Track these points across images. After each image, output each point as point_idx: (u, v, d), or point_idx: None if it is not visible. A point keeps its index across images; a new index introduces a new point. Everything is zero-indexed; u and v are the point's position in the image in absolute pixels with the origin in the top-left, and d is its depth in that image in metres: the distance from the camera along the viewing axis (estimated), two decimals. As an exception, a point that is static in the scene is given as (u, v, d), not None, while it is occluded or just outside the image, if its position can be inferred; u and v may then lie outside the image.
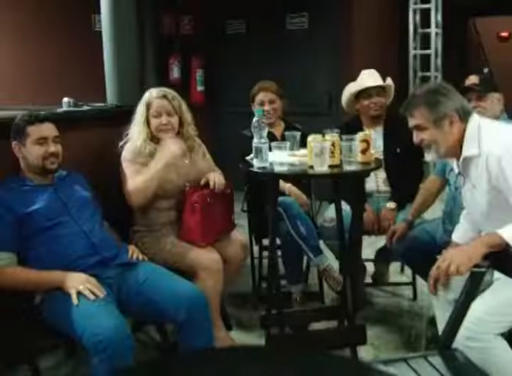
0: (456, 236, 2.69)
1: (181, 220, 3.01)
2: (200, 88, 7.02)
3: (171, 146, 2.93)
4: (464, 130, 2.31)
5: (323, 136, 2.72)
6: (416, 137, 2.36)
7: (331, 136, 2.71)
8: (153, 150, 2.97)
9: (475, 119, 2.33)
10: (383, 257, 3.94)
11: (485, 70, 10.78)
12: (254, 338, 3.31)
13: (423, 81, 6.90)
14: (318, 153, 2.62)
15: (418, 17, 6.76)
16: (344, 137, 2.76)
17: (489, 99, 2.99)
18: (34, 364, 2.54)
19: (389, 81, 3.67)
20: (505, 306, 2.22)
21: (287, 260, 3.48)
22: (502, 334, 2.21)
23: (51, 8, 6.48)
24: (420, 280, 3.76)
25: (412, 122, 2.35)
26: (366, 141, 2.79)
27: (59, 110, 3.27)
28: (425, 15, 6.78)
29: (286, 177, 3.18)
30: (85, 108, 3.33)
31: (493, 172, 2.22)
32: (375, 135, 3.57)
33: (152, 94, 3.03)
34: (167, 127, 3.00)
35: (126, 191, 2.94)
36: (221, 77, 7.03)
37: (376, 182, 3.64)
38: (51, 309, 2.39)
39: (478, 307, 2.18)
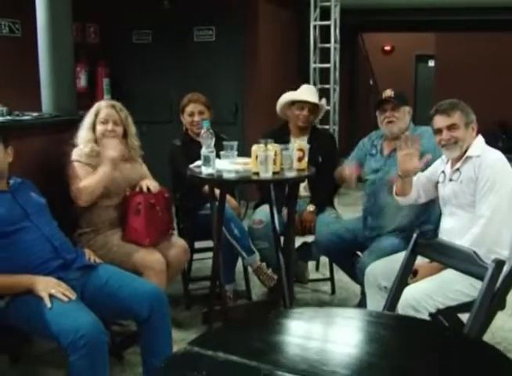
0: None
1: (123, 221, 3.19)
2: (106, 97, 7.05)
3: (110, 150, 3.12)
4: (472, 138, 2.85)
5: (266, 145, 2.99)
6: (446, 135, 2.81)
7: (273, 146, 3.00)
8: (90, 148, 3.18)
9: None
10: (301, 255, 4.27)
11: (371, 82, 11.55)
12: (192, 336, 3.50)
13: (322, 94, 7.37)
14: (263, 161, 2.90)
15: (318, 33, 7.21)
16: (281, 146, 3.07)
17: (402, 111, 3.37)
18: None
19: (323, 101, 4.00)
20: (447, 291, 2.64)
21: (222, 261, 3.71)
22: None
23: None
24: (337, 276, 4.14)
25: (448, 121, 2.81)
26: (302, 150, 3.11)
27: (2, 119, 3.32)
28: (324, 31, 7.25)
29: (235, 183, 3.42)
30: (26, 117, 3.39)
31: (479, 175, 2.73)
32: None
33: (101, 103, 3.25)
34: (112, 134, 3.21)
35: (75, 189, 3.09)
36: (128, 86, 7.11)
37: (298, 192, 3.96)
38: (19, 312, 2.47)
39: (427, 285, 2.59)
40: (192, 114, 3.91)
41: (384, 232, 3.35)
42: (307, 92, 3.98)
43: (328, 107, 7.29)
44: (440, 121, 2.83)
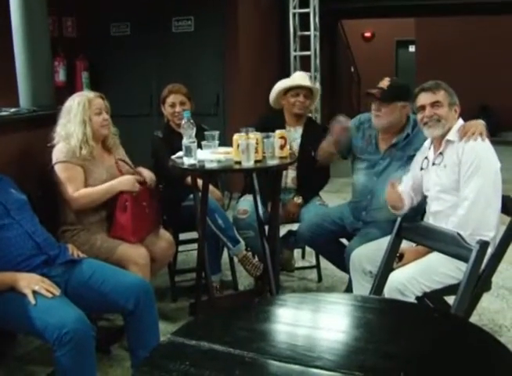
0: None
1: (111, 217, 3.15)
2: (86, 90, 7.01)
3: (128, 184, 3.14)
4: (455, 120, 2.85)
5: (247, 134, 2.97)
6: (429, 111, 2.81)
7: (254, 134, 2.98)
8: (88, 152, 3.09)
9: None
10: (286, 244, 4.26)
11: (352, 69, 11.56)
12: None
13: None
14: (244, 149, 2.89)
15: (297, 21, 7.19)
16: (262, 134, 3.04)
17: (391, 107, 3.17)
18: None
19: (317, 85, 3.95)
20: (433, 274, 2.64)
21: (208, 252, 3.69)
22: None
23: None
24: (323, 263, 4.13)
25: (433, 98, 2.81)
26: (283, 137, 3.10)
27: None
28: (303, 18, 7.22)
29: (217, 172, 3.40)
30: (4, 113, 3.33)
31: (463, 159, 2.73)
32: (295, 135, 3.90)
33: (89, 95, 3.16)
34: (107, 123, 3.17)
35: (68, 196, 3.04)
36: (108, 80, 7.05)
37: (286, 179, 3.91)
38: (1, 310, 2.42)
39: (413, 269, 2.60)
40: (173, 105, 3.88)
41: (378, 224, 3.27)
42: (301, 78, 3.92)
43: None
44: (424, 98, 2.82)
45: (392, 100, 3.15)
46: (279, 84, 3.94)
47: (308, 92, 3.87)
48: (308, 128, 3.95)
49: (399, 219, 2.51)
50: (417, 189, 3.04)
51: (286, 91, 3.87)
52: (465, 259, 2.22)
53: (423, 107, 2.83)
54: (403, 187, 3.04)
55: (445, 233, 2.37)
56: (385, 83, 3.16)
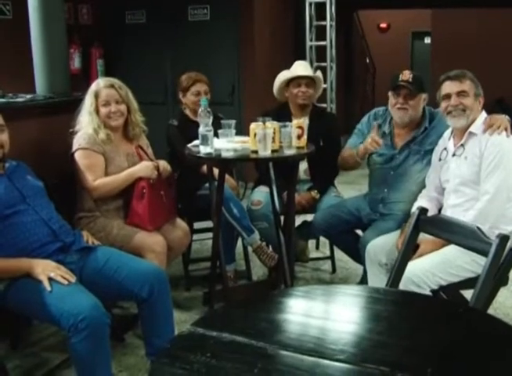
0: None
1: (127, 205, 3.14)
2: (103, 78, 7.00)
3: (147, 170, 3.14)
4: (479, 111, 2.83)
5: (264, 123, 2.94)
6: (455, 100, 2.78)
7: (271, 124, 2.95)
8: (106, 136, 3.10)
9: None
10: (301, 234, 4.24)
11: (367, 60, 11.47)
12: (193, 317, 3.48)
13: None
14: (261, 138, 2.86)
15: (313, 10, 7.13)
16: (279, 124, 3.01)
17: (417, 99, 3.16)
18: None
19: (318, 73, 3.90)
20: (449, 266, 2.61)
21: (222, 241, 3.68)
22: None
23: None
24: (337, 255, 4.12)
25: (459, 87, 2.79)
26: (301, 127, 3.06)
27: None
28: (319, 8, 7.16)
29: (233, 161, 3.37)
30: (20, 99, 3.34)
31: (485, 153, 2.70)
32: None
33: (99, 84, 3.14)
34: (116, 114, 3.13)
35: (88, 185, 3.06)
36: (123, 67, 7.03)
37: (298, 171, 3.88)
38: (18, 296, 2.44)
39: (429, 261, 2.58)
40: (198, 94, 3.84)
41: (394, 216, 3.26)
42: (300, 68, 3.85)
43: (325, 85, 7.23)
44: (450, 86, 2.79)
45: (419, 92, 3.14)
46: (280, 76, 3.86)
47: (309, 80, 3.79)
48: (314, 117, 3.87)
49: (417, 212, 2.48)
50: (440, 188, 3.00)
51: (288, 82, 3.81)
52: (484, 253, 2.19)
53: (448, 96, 2.80)
54: (428, 189, 3.03)
55: (464, 227, 2.34)
56: (407, 75, 3.12)
